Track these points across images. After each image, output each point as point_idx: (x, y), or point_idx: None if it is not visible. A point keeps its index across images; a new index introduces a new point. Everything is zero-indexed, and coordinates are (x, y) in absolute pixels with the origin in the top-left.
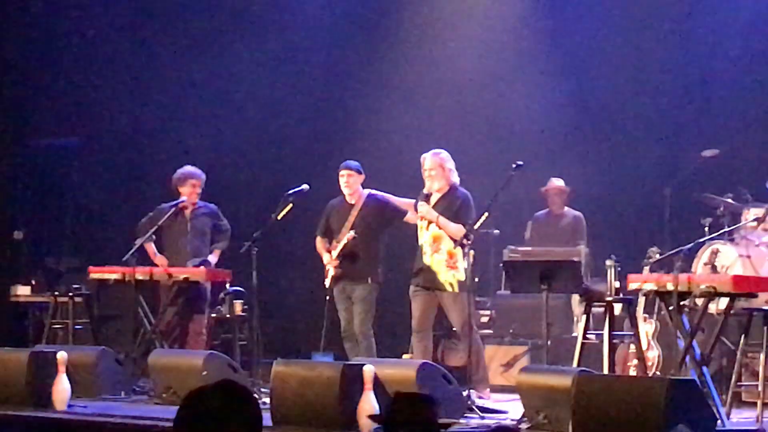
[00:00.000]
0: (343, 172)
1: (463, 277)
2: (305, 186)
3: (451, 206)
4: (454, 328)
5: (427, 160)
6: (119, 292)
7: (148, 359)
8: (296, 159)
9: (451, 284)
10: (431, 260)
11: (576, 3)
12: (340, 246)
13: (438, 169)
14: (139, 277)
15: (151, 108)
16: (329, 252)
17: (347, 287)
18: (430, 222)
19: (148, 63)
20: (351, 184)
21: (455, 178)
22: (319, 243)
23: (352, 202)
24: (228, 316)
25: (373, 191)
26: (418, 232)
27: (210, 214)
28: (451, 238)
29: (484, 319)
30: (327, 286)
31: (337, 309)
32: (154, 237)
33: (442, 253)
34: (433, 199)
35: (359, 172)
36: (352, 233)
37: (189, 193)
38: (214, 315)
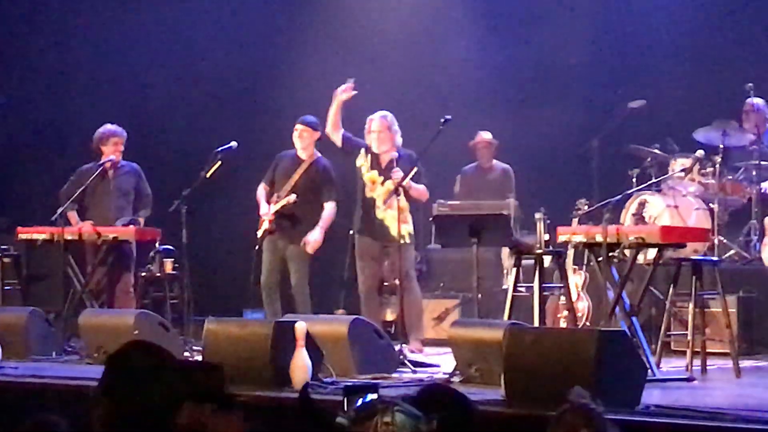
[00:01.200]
0: (297, 126)
1: (412, 230)
2: (234, 143)
3: (410, 169)
4: (385, 282)
5: (375, 122)
6: (47, 252)
7: (78, 319)
8: (224, 116)
9: (403, 237)
10: (384, 215)
11: None
12: (278, 205)
13: (386, 131)
14: (68, 237)
15: (77, 63)
16: (268, 203)
17: (279, 243)
18: (386, 179)
19: (75, 16)
20: (303, 138)
21: (399, 140)
22: (260, 191)
23: (303, 158)
24: (158, 274)
25: (323, 158)
26: (365, 187)
27: (133, 173)
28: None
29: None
30: (258, 236)
31: (262, 259)
32: (76, 205)
33: (395, 207)
34: (385, 160)
35: (314, 129)
36: (293, 197)
37: (112, 152)
38: (144, 274)
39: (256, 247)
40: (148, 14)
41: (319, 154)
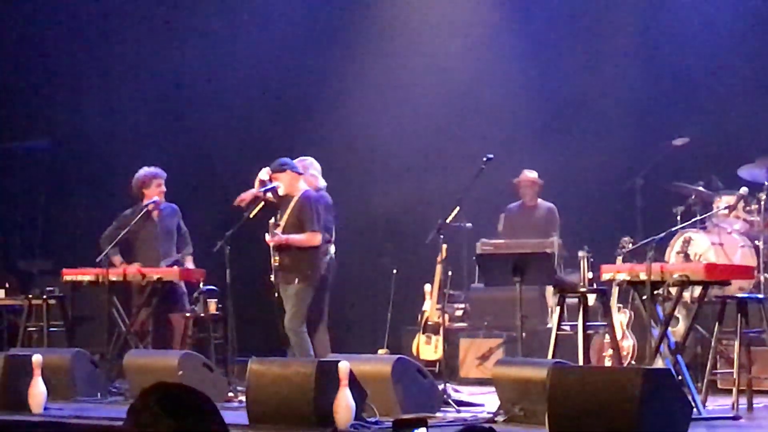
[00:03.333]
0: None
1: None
2: (277, 183)
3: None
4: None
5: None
6: (92, 294)
7: (123, 360)
8: (267, 155)
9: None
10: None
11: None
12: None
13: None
14: (113, 278)
15: (121, 106)
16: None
17: (281, 284)
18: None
19: (119, 60)
20: (284, 186)
21: (321, 183)
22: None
23: (290, 197)
24: (202, 315)
25: (309, 191)
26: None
27: (174, 213)
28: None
29: (459, 313)
30: (273, 280)
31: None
32: (119, 248)
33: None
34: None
35: (285, 171)
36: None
37: (156, 194)
38: (188, 315)
39: (276, 294)
40: (187, 57)
41: (307, 189)
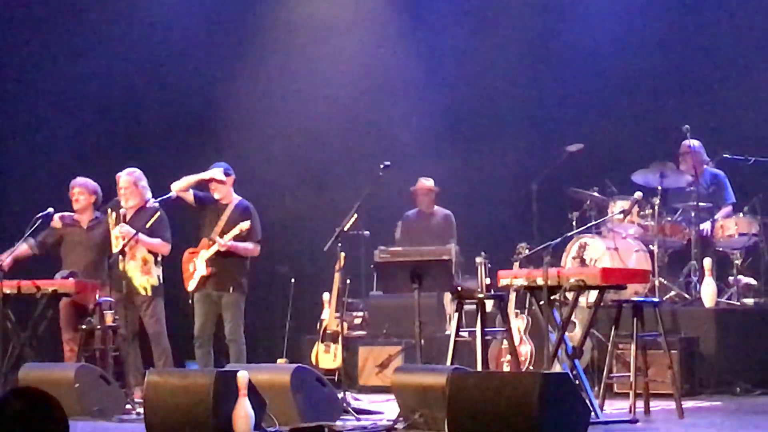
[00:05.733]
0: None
1: (156, 282)
2: (173, 193)
3: (149, 221)
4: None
5: (122, 178)
6: None
7: (18, 373)
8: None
9: (145, 288)
10: (126, 266)
11: (440, 10)
12: (212, 251)
13: (132, 186)
14: (6, 290)
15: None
16: (195, 253)
17: (213, 293)
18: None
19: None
20: (219, 189)
21: (148, 195)
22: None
23: (225, 203)
24: (98, 327)
25: (244, 200)
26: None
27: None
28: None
29: (357, 321)
30: (192, 289)
31: (195, 313)
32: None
33: (137, 259)
34: (129, 215)
35: (230, 176)
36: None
37: (74, 202)
38: (84, 327)
39: (191, 301)
40: (85, 64)
41: (236, 197)
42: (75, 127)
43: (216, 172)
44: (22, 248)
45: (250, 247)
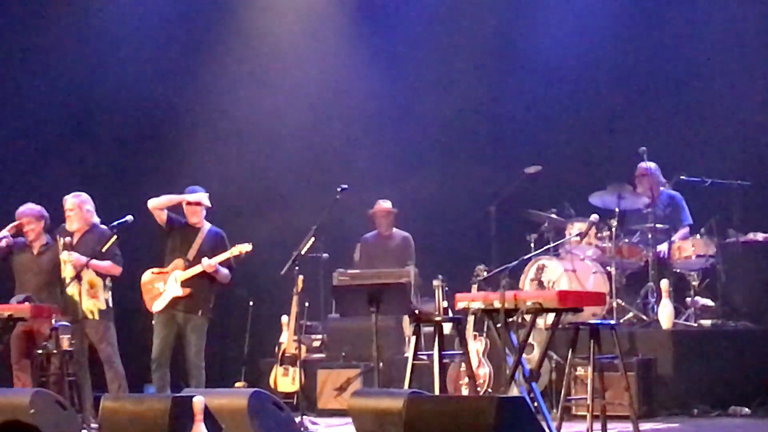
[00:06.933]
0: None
1: (103, 306)
2: (129, 217)
3: (101, 243)
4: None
5: (68, 201)
6: None
7: None
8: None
9: (92, 312)
10: (74, 290)
11: (403, 23)
12: (190, 272)
13: (77, 209)
14: None
15: None
16: (163, 273)
17: (178, 316)
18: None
19: None
20: (197, 213)
21: (95, 219)
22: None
23: (198, 227)
24: (55, 351)
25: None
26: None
27: (53, 249)
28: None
29: (316, 344)
30: (158, 309)
31: (155, 334)
32: None
33: (84, 282)
34: (76, 238)
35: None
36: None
37: (26, 231)
38: (40, 351)
39: (153, 322)
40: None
41: (206, 223)
42: (24, 143)
43: (203, 196)
44: None
45: (227, 273)
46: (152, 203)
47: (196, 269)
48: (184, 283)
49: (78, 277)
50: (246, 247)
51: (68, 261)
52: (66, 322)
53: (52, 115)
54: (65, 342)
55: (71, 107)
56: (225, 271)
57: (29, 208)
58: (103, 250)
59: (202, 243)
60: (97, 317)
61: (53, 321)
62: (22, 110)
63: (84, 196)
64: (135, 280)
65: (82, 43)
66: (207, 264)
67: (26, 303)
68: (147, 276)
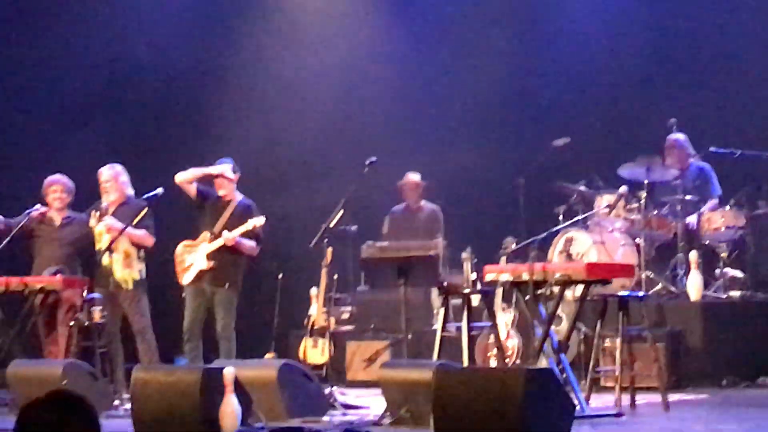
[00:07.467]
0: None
1: (138, 276)
2: (160, 190)
3: (135, 215)
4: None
5: (104, 173)
6: None
7: (6, 370)
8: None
9: (126, 281)
10: (109, 260)
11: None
12: (214, 245)
13: (113, 181)
14: None
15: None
16: (193, 246)
17: (207, 288)
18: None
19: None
20: (225, 185)
21: (130, 190)
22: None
23: (228, 200)
24: (87, 323)
25: (246, 199)
26: (95, 240)
27: (80, 223)
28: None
29: (345, 316)
30: (187, 282)
31: (186, 306)
32: None
33: (119, 252)
34: (111, 210)
35: (237, 173)
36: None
37: (52, 201)
38: (72, 323)
39: (183, 295)
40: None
41: (238, 195)
42: (54, 123)
43: (226, 168)
44: None
45: (253, 245)
46: (179, 177)
47: (219, 242)
48: (209, 256)
49: (109, 249)
50: (259, 221)
51: (104, 228)
52: (98, 294)
53: (78, 87)
54: (97, 314)
55: (98, 79)
56: (249, 243)
57: (62, 176)
58: (134, 222)
59: (231, 215)
60: (131, 287)
61: (84, 293)
62: (48, 82)
63: (119, 167)
64: (167, 252)
65: (109, 13)
66: (226, 237)
67: (58, 275)
68: (179, 248)
